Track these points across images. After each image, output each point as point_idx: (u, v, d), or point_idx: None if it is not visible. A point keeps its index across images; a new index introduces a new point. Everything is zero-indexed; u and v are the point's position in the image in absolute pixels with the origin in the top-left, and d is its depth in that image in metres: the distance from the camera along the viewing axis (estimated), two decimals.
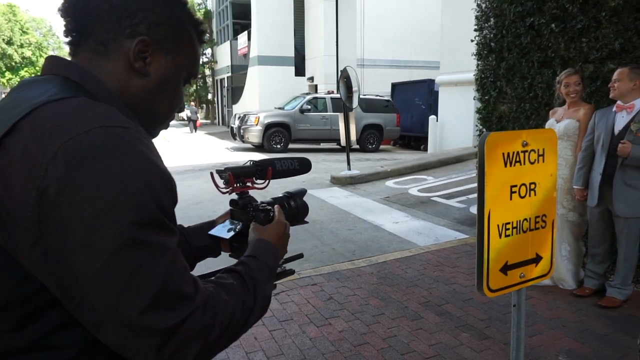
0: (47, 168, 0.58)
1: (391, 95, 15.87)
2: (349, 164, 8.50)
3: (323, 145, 14.70)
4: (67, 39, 0.75)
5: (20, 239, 0.60)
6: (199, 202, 6.42)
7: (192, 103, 29.58)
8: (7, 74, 29.80)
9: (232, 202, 0.98)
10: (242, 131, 13.30)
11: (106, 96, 0.71)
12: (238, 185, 0.95)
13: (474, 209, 5.88)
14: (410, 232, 5.07)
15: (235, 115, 14.82)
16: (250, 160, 0.98)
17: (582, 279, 3.41)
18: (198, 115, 26.64)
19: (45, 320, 0.63)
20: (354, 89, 8.51)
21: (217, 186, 0.95)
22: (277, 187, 1.11)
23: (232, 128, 14.48)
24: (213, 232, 0.95)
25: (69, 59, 0.75)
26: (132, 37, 0.72)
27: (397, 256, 4.14)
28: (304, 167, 1.04)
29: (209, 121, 31.74)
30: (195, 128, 24.67)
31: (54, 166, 0.58)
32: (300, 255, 1.03)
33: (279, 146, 13.03)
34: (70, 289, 0.60)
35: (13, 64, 29.95)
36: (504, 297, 3.04)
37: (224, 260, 0.99)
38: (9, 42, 26.43)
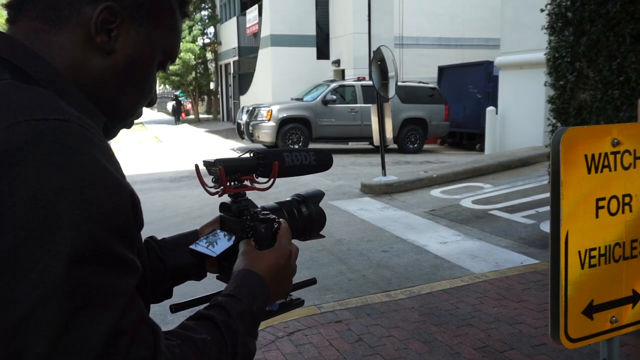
0: None
1: (438, 82, 15.79)
2: (384, 168, 8.56)
3: (352, 145, 14.79)
4: (6, 0, 0.71)
5: None
6: (197, 216, 6.53)
7: (176, 93, 30.74)
8: None
9: (223, 206, 0.95)
10: (251, 128, 13.62)
11: (49, 77, 0.66)
12: (232, 184, 0.91)
13: (545, 226, 5.74)
14: (463, 255, 5.07)
15: (242, 108, 15.08)
16: (251, 151, 0.94)
17: None
18: (182, 106, 28.43)
19: None
20: (391, 74, 8.51)
21: (203, 184, 0.91)
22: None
23: (239, 124, 14.78)
24: (196, 246, 0.91)
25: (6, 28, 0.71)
26: (94, 3, 0.68)
27: (446, 286, 4.16)
28: (322, 162, 0.99)
29: (211, 116, 32.34)
30: (179, 119, 26.29)
31: None
32: (313, 281, 0.98)
33: (296, 146, 13.27)
34: None
35: None
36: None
37: (211, 283, 0.97)
38: None
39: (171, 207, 6.97)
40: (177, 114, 27.95)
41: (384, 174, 8.53)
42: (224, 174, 0.88)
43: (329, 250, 5.18)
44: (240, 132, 14.66)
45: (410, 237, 5.72)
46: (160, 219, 6.57)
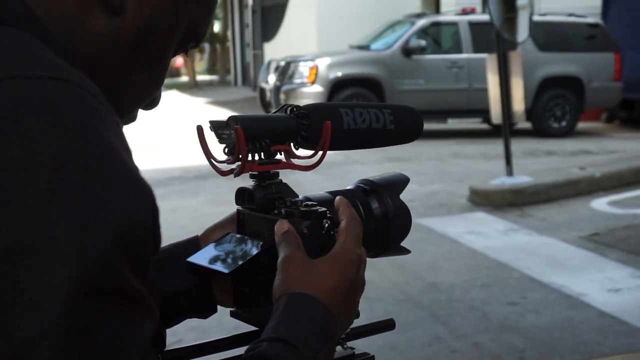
0: None
1: (603, 15, 14.46)
2: (509, 163, 8.16)
3: (452, 124, 14.49)
4: None
5: None
6: None
7: None
8: None
9: (241, 194, 0.94)
10: (283, 96, 13.18)
11: (24, 18, 0.67)
12: (257, 158, 0.89)
13: None
14: None
15: (269, 64, 15.10)
16: (287, 106, 0.94)
17: None
18: None
19: None
20: (521, 1, 8.19)
21: (209, 157, 0.90)
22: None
23: (262, 91, 14.81)
24: (197, 259, 0.91)
25: None
26: None
27: None
28: (405, 125, 1.00)
29: (215, 77, 32.51)
30: None
31: None
32: (390, 324, 1.02)
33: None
34: None
35: None
36: None
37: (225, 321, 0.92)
38: None
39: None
40: None
41: (510, 173, 8.20)
42: (244, 139, 0.87)
43: (417, 301, 5.02)
44: (266, 104, 14.40)
45: (557, 279, 5.49)
46: None
